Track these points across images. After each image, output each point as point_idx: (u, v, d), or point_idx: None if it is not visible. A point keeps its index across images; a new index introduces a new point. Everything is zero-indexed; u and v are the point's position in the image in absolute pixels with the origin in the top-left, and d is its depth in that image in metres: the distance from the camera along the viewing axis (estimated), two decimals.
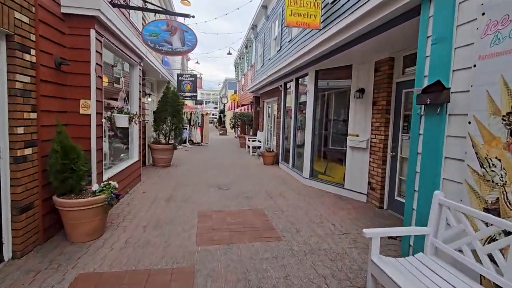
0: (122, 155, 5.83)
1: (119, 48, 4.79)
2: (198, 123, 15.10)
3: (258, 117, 14.08)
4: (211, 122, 53.20)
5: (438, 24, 2.62)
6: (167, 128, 8.28)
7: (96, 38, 3.81)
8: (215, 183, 6.58)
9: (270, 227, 4.00)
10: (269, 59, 10.86)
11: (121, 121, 4.01)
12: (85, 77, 3.73)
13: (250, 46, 15.30)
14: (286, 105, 8.79)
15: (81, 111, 3.74)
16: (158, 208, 4.64)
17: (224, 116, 29.70)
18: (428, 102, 2.58)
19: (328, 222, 4.31)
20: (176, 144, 8.42)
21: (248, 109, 16.97)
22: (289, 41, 8.35)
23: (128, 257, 3.02)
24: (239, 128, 17.17)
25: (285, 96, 8.82)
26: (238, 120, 14.99)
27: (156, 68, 7.73)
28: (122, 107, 4.26)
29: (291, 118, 7.99)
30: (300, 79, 7.62)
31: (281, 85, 8.94)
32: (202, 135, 15.15)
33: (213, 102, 67.06)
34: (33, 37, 3.01)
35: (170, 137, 8.39)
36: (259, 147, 11.86)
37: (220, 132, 26.24)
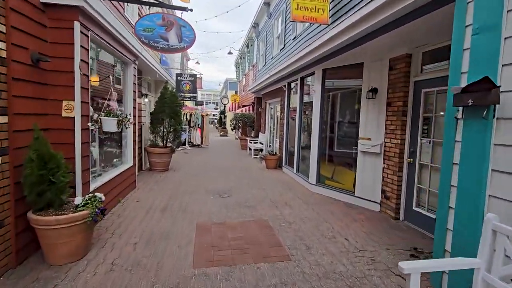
0: (115, 160, 5.41)
1: (110, 44, 4.37)
2: (198, 124, 14.69)
3: (260, 118, 13.65)
4: (212, 123, 52.85)
5: (482, 10, 2.19)
6: (165, 130, 7.86)
7: (81, 32, 3.39)
8: (215, 189, 6.16)
9: (277, 243, 3.57)
10: (271, 58, 10.45)
11: (109, 124, 3.58)
12: (68, 76, 3.31)
13: (251, 45, 14.88)
14: (290, 106, 8.36)
15: (64, 114, 3.32)
16: (153, 220, 4.21)
17: (225, 117, 29.29)
18: (470, 104, 2.15)
19: (341, 236, 3.88)
20: (174, 147, 8.00)
21: (249, 110, 16.56)
22: (293, 39, 7.92)
23: (113, 284, 2.59)
24: (240, 130, 16.75)
25: (289, 96, 8.39)
26: (239, 121, 14.58)
27: (153, 67, 7.32)
28: (111, 108, 3.83)
29: (295, 119, 7.56)
30: (305, 79, 7.19)
31: (284, 85, 8.51)
32: (202, 137, 14.73)
33: (213, 103, 66.71)
34: (2, 28, 2.59)
35: (168, 140, 7.97)
36: (261, 150, 11.43)
37: (221, 133, 25.83)
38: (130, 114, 5.33)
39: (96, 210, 2.91)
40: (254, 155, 11.21)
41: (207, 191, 6.01)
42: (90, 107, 3.78)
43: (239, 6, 11.16)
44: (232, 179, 7.26)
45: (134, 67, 5.78)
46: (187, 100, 10.76)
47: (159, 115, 7.74)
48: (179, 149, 12.92)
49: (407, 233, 4.04)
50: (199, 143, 14.65)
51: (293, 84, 8.16)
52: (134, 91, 5.87)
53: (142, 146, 7.83)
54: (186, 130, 13.83)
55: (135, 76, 5.93)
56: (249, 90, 13.58)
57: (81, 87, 3.41)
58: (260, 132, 12.47)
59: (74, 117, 3.35)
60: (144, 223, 4.06)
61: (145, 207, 4.78)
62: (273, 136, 10.45)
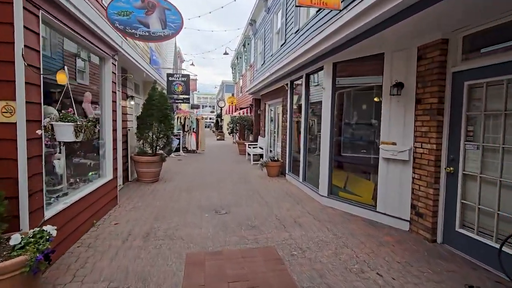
0: (90, 174, 4.53)
1: (77, 33, 3.52)
2: (193, 128, 13.82)
3: (259, 121, 12.82)
4: (208, 127, 51.84)
5: None
6: (154, 136, 6.99)
7: (26, 8, 2.54)
8: (211, 204, 5.29)
9: (291, 285, 2.71)
10: (271, 55, 9.65)
11: (63, 132, 2.71)
12: (6, 67, 2.44)
13: (248, 44, 14.11)
14: (294, 107, 7.54)
15: (2, 119, 2.45)
16: (130, 252, 3.33)
17: (221, 120, 28.45)
18: None
19: (371, 269, 3.03)
20: (165, 154, 7.13)
21: (247, 113, 15.74)
22: (295, 32, 7.12)
23: None
24: (237, 134, 15.92)
25: (292, 96, 7.57)
26: (237, 124, 13.74)
27: (138, 65, 6.46)
28: (70, 110, 2.96)
29: (300, 121, 6.73)
30: (311, 75, 6.38)
31: (287, 84, 7.70)
32: (197, 142, 13.86)
33: (210, 106, 65.82)
34: None
35: (158, 147, 7.09)
36: (261, 155, 10.58)
37: (217, 137, 24.95)
38: (92, 119, 4.48)
39: (38, 255, 2.03)
40: (254, 161, 10.35)
41: (201, 207, 5.14)
42: (51, 109, 2.92)
43: (222, 7, 10.37)
44: (230, 190, 6.39)
45: (113, 63, 4.92)
46: (179, 103, 9.87)
47: (147, 119, 6.87)
48: (173, 155, 12.03)
49: (452, 263, 3.20)
50: (194, 148, 13.77)
51: (296, 82, 7.35)
52: (114, 92, 5.00)
53: (128, 154, 6.95)
54: (180, 135, 12.96)
55: (115, 74, 5.07)
56: (247, 91, 12.76)
57: (27, 83, 2.55)
58: (259, 136, 11.63)
59: (15, 123, 2.48)
60: (117, 259, 3.17)
61: (124, 233, 3.89)
62: (274, 140, 9.61)
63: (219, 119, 32.05)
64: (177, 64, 15.70)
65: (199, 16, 14.32)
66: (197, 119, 13.96)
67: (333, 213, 4.86)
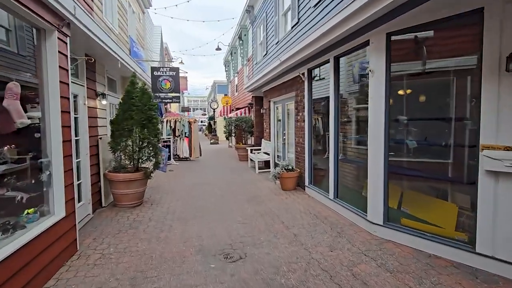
0: (25, 213, 2.83)
1: None
2: (185, 133, 12.12)
3: (261, 122, 11.21)
4: (200, 130, 49.93)
5: None
6: (134, 145, 5.28)
7: None
8: (217, 242, 3.65)
9: None
10: (276, 42, 8.06)
11: None
12: None
13: (245, 35, 12.51)
14: (313, 101, 5.97)
15: None
16: None
17: (215, 123, 26.74)
18: None
19: None
20: (150, 169, 5.44)
21: (245, 113, 14.11)
22: (314, 6, 5.54)
23: None
24: (234, 137, 14.27)
25: (311, 88, 6.00)
26: (235, 127, 12.09)
27: (108, 49, 4.77)
28: None
29: (329, 118, 5.16)
30: (343, 57, 4.81)
31: (303, 73, 6.12)
32: (190, 148, 12.15)
33: (201, 109, 63.91)
34: None
35: (140, 160, 5.39)
36: (267, 162, 8.98)
37: (211, 141, 23.21)
38: (48, 124, 2.82)
39: None
40: (259, 169, 8.74)
41: (204, 249, 3.49)
42: None
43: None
44: (240, 215, 4.76)
45: (61, 39, 3.22)
46: (168, 102, 8.11)
47: (124, 123, 5.17)
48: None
49: None
50: (187, 155, 12.05)
51: (318, 70, 5.79)
52: (65, 83, 3.31)
53: (100, 171, 5.23)
54: (170, 141, 11.23)
55: (65, 56, 3.37)
56: (245, 88, 11.15)
57: None
58: (263, 140, 10.02)
59: None
60: None
61: None
62: (284, 144, 8.01)
63: (211, 122, 30.32)
64: (164, 62, 13.93)
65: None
66: (189, 122, 12.26)
67: (402, 253, 3.28)
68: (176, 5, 11.85)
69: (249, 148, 10.02)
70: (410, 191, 3.98)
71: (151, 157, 5.45)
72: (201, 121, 53.81)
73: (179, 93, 7.86)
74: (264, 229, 4.14)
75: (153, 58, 11.14)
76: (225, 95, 19.69)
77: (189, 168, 10.13)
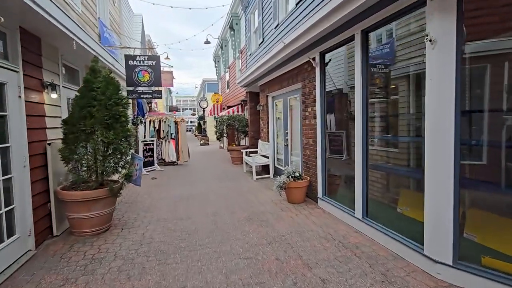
0: None
1: None
2: (171, 134, 10.77)
3: (257, 120, 9.98)
4: (189, 131, 48.15)
5: None
6: (95, 153, 3.95)
7: None
8: None
9: None
10: (276, 26, 6.84)
11: None
12: None
13: (237, 24, 11.26)
14: (326, 93, 4.79)
15: None
16: None
17: (204, 123, 25.35)
18: None
19: None
20: (122, 179, 4.13)
21: (238, 111, 12.87)
22: None
23: None
24: (227, 138, 13.01)
25: (324, 75, 4.81)
26: (227, 126, 10.82)
27: (55, 22, 3.45)
28: None
29: (353, 110, 3.97)
30: (374, 31, 3.64)
31: (313, 58, 4.92)
32: (177, 151, 10.81)
33: (190, 109, 62.13)
34: None
35: (105, 172, 4.06)
36: (265, 166, 7.77)
37: (201, 142, 21.83)
38: None
39: None
40: (257, 174, 7.52)
41: None
42: None
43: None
44: (240, 247, 3.52)
45: None
46: (147, 97, 6.69)
47: (81, 123, 3.84)
48: (144, 172, 8.93)
49: None
50: (174, 159, 10.71)
51: (331, 55, 4.60)
52: None
53: (50, 188, 3.89)
54: (153, 143, 9.86)
55: None
56: (238, 83, 9.90)
57: None
58: (259, 140, 8.80)
59: None
60: None
61: None
62: (287, 146, 6.81)
63: (201, 122, 28.88)
64: (144, 50, 12.38)
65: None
66: (175, 122, 10.90)
67: None
68: None
69: (244, 150, 8.78)
70: (477, 209, 2.83)
71: (119, 168, 4.13)
72: (191, 121, 52.17)
73: (161, 86, 6.56)
74: (277, 269, 2.92)
75: (132, 40, 9.67)
76: (215, 93, 18.36)
77: (176, 174, 8.80)
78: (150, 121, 10.60)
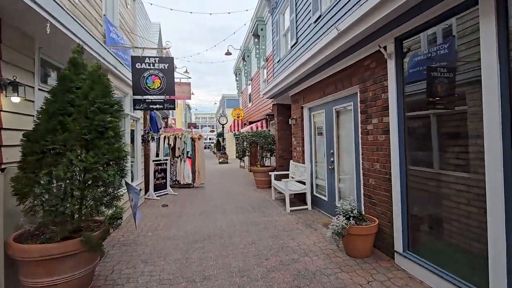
0: None
1: None
2: (188, 152, 9.53)
3: (286, 136, 8.53)
4: (208, 148, 47.40)
5: None
6: (67, 183, 2.61)
7: None
8: None
9: None
10: (316, 19, 5.49)
11: None
12: None
13: (262, 29, 10.14)
14: (405, 95, 3.26)
15: None
16: None
17: (224, 140, 24.23)
18: None
19: None
20: (105, 226, 2.76)
21: (261, 127, 11.50)
22: None
23: None
24: (249, 156, 11.63)
25: (400, 71, 3.31)
26: (251, 144, 9.39)
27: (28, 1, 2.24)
28: None
29: (437, 120, 2.40)
30: None
31: (384, 47, 3.45)
32: (194, 172, 9.48)
33: (209, 126, 61.86)
34: None
35: (81, 215, 2.69)
36: (302, 193, 6.19)
37: (220, 160, 20.56)
38: None
39: None
40: (291, 205, 5.94)
41: None
42: None
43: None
44: None
45: None
46: (156, 108, 5.35)
47: (48, 139, 2.55)
48: (155, 197, 7.61)
49: None
50: (190, 181, 9.36)
51: (410, 42, 3.10)
52: None
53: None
54: (166, 163, 8.59)
55: None
56: (264, 94, 8.56)
57: None
58: (291, 162, 7.27)
59: None
60: None
61: None
62: (333, 169, 5.23)
63: (220, 139, 27.84)
64: (156, 51, 11.38)
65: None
66: (192, 139, 9.66)
67: None
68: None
69: (272, 173, 7.26)
70: None
71: (102, 206, 2.74)
72: (209, 138, 51.60)
73: (174, 94, 5.31)
74: None
75: (148, 42, 8.63)
76: (236, 108, 17.21)
77: (191, 201, 7.39)
78: (164, 137, 9.43)
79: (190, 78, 10.51)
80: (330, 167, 5.32)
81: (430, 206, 3.07)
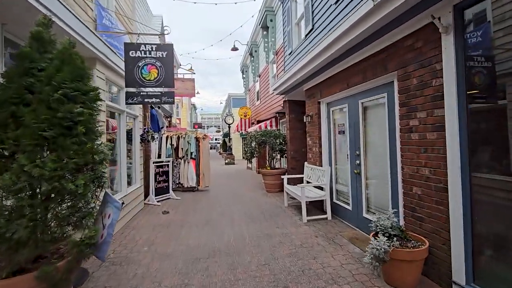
0: None
1: None
2: (192, 153, 8.86)
3: (299, 136, 7.80)
4: (213, 148, 46.81)
5: None
6: (18, 197, 1.93)
7: None
8: None
9: None
10: (336, 1, 4.73)
11: None
12: None
13: (271, 20, 9.40)
14: (469, 81, 2.49)
15: None
16: None
17: (230, 140, 23.55)
18: None
19: None
20: (73, 257, 2.07)
21: (270, 126, 10.77)
22: None
23: None
24: (258, 158, 10.90)
25: (461, 49, 2.53)
26: (260, 144, 8.66)
27: None
28: None
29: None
30: None
31: (438, 18, 2.67)
32: (198, 174, 8.80)
33: (215, 126, 61.32)
34: None
35: (39, 239, 2.01)
36: (319, 201, 5.42)
37: (226, 161, 19.91)
38: None
39: None
40: (307, 213, 5.18)
41: None
42: None
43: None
44: None
45: None
46: (154, 103, 4.62)
47: None
48: (155, 202, 6.93)
49: None
50: (194, 184, 8.68)
51: (472, 10, 2.33)
52: None
53: None
54: (168, 165, 7.93)
55: None
56: (274, 89, 7.82)
57: None
58: (306, 164, 6.51)
59: None
60: None
61: None
62: (359, 174, 4.46)
63: (226, 139, 27.20)
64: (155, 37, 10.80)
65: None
66: (196, 139, 8.98)
67: None
68: None
69: (284, 177, 6.51)
70: None
71: (68, 228, 2.05)
72: (215, 139, 51.03)
73: (173, 86, 4.61)
74: None
75: (147, 28, 7.94)
76: (243, 106, 16.48)
77: (195, 207, 6.69)
78: (167, 137, 8.78)
79: (194, 73, 9.84)
80: (355, 171, 4.55)
81: (505, 225, 2.29)
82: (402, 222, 3.31)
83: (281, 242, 4.18)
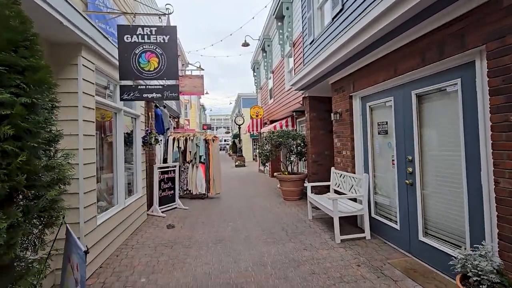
0: None
1: None
2: (201, 157, 8.04)
3: (325, 137, 6.86)
4: (223, 149, 46.04)
5: None
6: None
7: None
8: None
9: None
10: None
11: None
12: None
13: (287, 8, 8.47)
14: None
15: None
16: None
17: (240, 141, 22.75)
18: None
19: None
20: None
21: (286, 126, 9.84)
22: None
23: None
24: (272, 161, 9.98)
25: None
26: (276, 147, 7.70)
27: None
28: None
29: None
30: None
31: None
32: (208, 180, 7.95)
33: (224, 127, 60.65)
34: None
35: None
36: (357, 216, 4.46)
37: (237, 163, 19.07)
38: None
39: None
40: (342, 233, 4.23)
41: None
42: None
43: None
44: None
45: None
46: (153, 98, 3.80)
47: None
48: (160, 213, 6.11)
49: None
50: (203, 191, 7.84)
51: None
52: None
53: None
54: (175, 170, 7.10)
55: None
56: (293, 84, 6.88)
57: None
58: (334, 169, 5.54)
59: None
60: None
61: None
62: (412, 185, 3.49)
63: (236, 140, 26.36)
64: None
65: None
66: (206, 141, 8.14)
67: None
68: None
69: (308, 185, 5.57)
70: None
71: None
72: (225, 140, 50.31)
73: (177, 79, 3.77)
74: None
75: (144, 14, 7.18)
76: (255, 105, 15.59)
77: (205, 220, 5.82)
78: (173, 139, 7.98)
79: (203, 69, 9.02)
80: (407, 181, 3.58)
81: None
82: (497, 259, 2.33)
83: (314, 273, 3.26)
